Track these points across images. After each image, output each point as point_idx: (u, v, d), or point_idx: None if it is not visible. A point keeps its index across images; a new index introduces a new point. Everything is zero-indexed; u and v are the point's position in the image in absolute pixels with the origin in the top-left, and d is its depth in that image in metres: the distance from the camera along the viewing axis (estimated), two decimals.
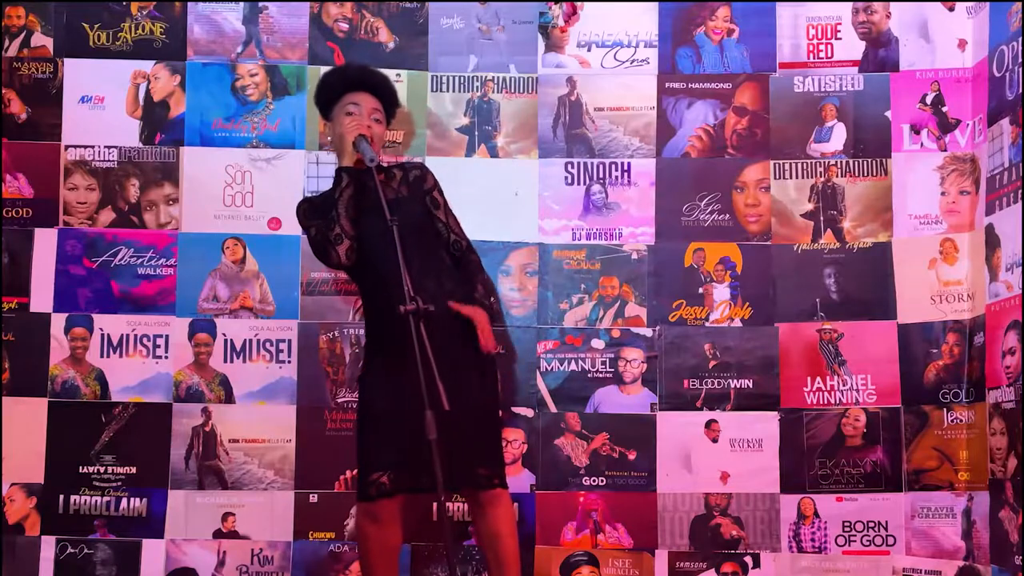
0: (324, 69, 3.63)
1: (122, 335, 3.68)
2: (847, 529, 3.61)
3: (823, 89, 3.75)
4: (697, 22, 3.81)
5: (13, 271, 3.66)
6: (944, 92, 3.67)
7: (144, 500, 3.64)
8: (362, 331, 3.48)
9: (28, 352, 3.65)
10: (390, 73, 3.60)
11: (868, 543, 3.60)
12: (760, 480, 3.64)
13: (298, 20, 3.80)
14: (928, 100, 3.68)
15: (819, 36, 3.77)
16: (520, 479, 3.65)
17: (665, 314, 3.73)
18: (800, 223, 3.74)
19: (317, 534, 3.64)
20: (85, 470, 3.63)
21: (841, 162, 3.73)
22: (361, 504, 3.05)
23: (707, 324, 3.72)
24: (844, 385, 3.65)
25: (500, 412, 3.34)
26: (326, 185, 3.35)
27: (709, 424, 3.67)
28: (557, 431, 3.69)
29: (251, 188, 3.74)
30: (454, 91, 3.80)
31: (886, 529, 3.60)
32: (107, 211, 3.72)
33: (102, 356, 3.67)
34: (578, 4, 3.82)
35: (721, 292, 3.73)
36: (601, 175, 3.78)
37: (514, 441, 3.67)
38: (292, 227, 3.52)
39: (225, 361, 3.69)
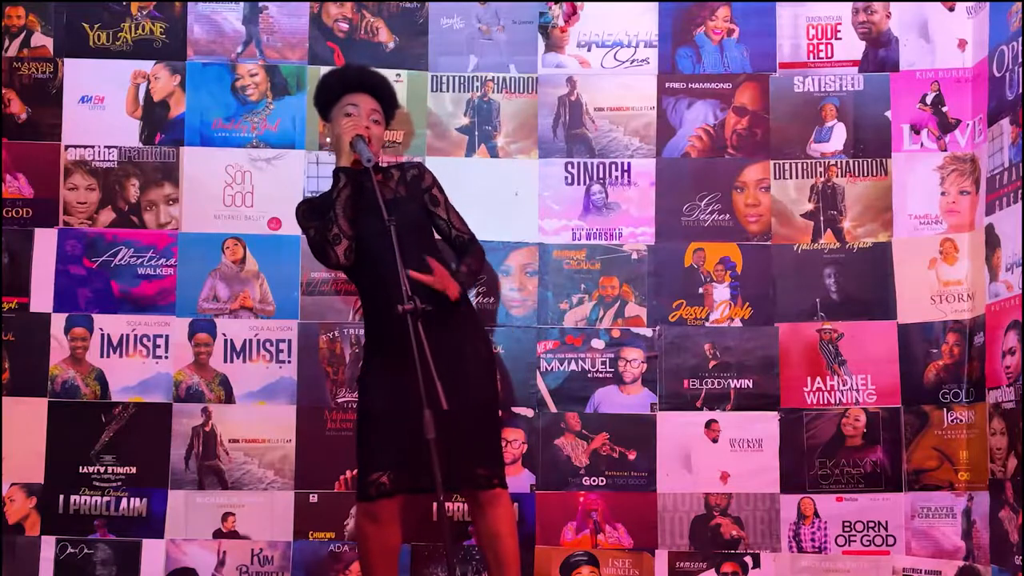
0: (324, 69, 3.63)
1: (122, 335, 3.68)
2: (847, 529, 3.61)
3: (823, 89, 3.75)
4: (697, 22, 3.81)
5: (13, 271, 3.66)
6: (944, 92, 3.67)
7: (144, 500, 3.64)
8: (362, 331, 3.48)
9: (28, 352, 3.65)
10: (390, 73, 3.61)
11: (868, 543, 3.60)
12: (760, 480, 3.64)
13: (298, 20, 3.80)
14: (928, 100, 3.68)
15: (819, 36, 3.77)
16: (520, 479, 3.65)
17: (665, 314, 3.73)
18: (800, 223, 3.74)
19: (317, 534, 3.64)
20: (85, 470, 3.63)
21: (841, 162, 3.73)
22: (361, 504, 3.05)
23: (707, 324, 3.72)
24: (844, 385, 3.65)
25: (500, 412, 3.34)
26: (326, 185, 3.35)
27: (709, 424, 3.67)
28: (557, 431, 3.69)
29: (251, 188, 3.74)
30: (454, 91, 3.80)
31: (886, 529, 3.60)
32: (107, 211, 3.73)
33: (102, 356, 3.67)
34: (578, 4, 3.83)
35: (721, 292, 3.73)
36: (601, 175, 3.78)
37: (514, 441, 3.67)
38: (292, 227, 3.52)
39: (225, 361, 3.69)
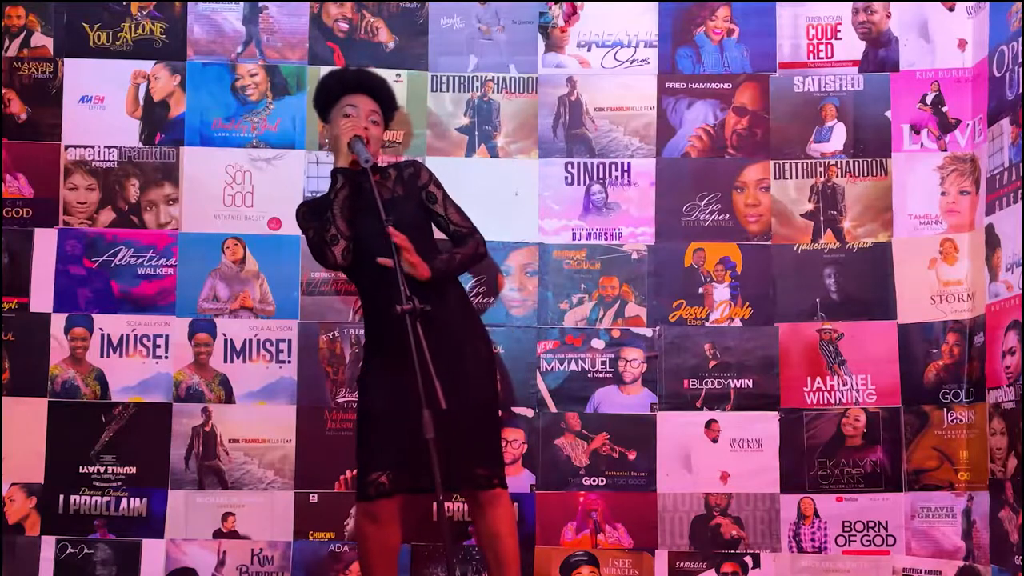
0: (324, 69, 3.63)
1: (122, 335, 3.68)
2: (847, 529, 3.61)
3: (823, 89, 3.75)
4: (697, 22, 3.81)
5: (13, 271, 3.66)
6: (944, 92, 3.67)
7: (144, 500, 3.64)
8: (362, 331, 3.48)
9: (28, 352, 3.65)
10: (390, 73, 3.61)
11: (868, 543, 3.60)
12: (760, 480, 3.64)
13: (298, 20, 3.80)
14: (928, 100, 3.68)
15: (819, 36, 3.77)
16: (520, 479, 3.65)
17: (665, 314, 3.73)
18: (800, 223, 3.74)
19: (317, 534, 3.65)
20: (85, 470, 3.63)
21: (841, 162, 3.73)
22: (360, 504, 3.05)
23: (707, 324, 3.72)
24: (844, 385, 3.65)
25: (500, 412, 3.33)
26: (326, 185, 3.34)
27: (709, 424, 3.67)
28: (557, 431, 3.69)
29: (251, 188, 3.74)
30: (454, 91, 3.80)
31: (886, 529, 3.60)
32: (107, 211, 3.73)
33: (102, 356, 3.67)
34: (578, 4, 3.83)
35: (721, 292, 3.73)
36: (601, 175, 3.78)
37: (514, 441, 3.67)
38: (292, 227, 3.51)
39: (225, 361, 3.69)
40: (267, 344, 3.70)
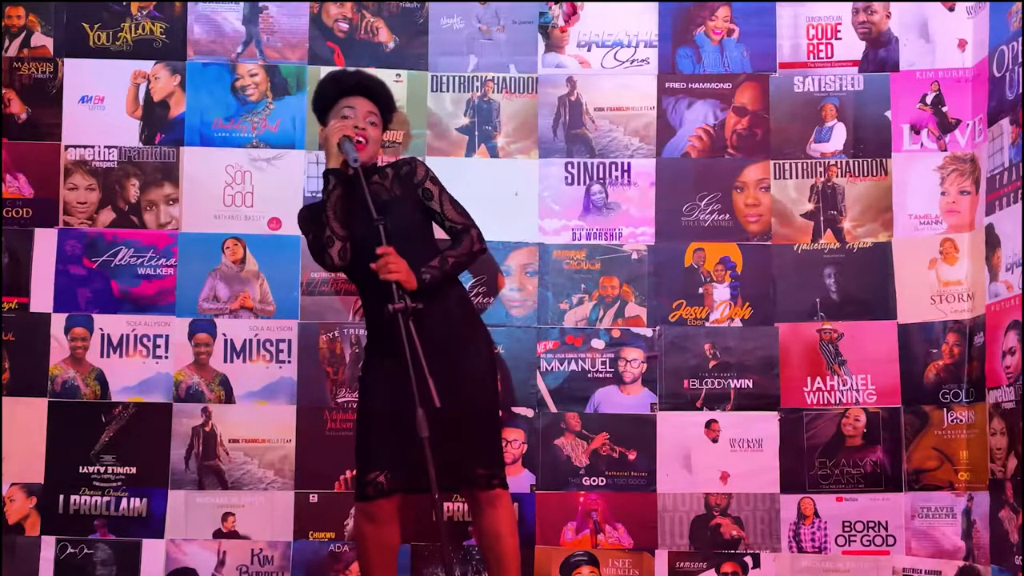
0: (324, 69, 3.63)
1: (122, 335, 3.68)
2: (847, 529, 3.61)
3: (823, 89, 3.75)
4: (697, 22, 3.81)
5: (13, 271, 3.67)
6: (944, 92, 3.67)
7: (144, 500, 3.64)
8: (362, 331, 3.48)
9: (28, 352, 3.65)
10: (390, 73, 3.61)
11: (868, 543, 3.60)
12: (760, 480, 3.64)
13: (298, 20, 3.80)
14: (928, 100, 3.68)
15: (819, 36, 3.77)
16: (520, 479, 3.65)
17: (665, 314, 3.73)
18: (800, 223, 3.74)
19: (317, 534, 3.65)
20: (85, 470, 3.63)
21: (841, 162, 3.73)
22: (359, 504, 3.05)
23: (707, 324, 3.72)
24: (844, 385, 3.65)
25: (500, 412, 3.33)
26: None
27: (709, 424, 3.67)
28: (557, 431, 3.69)
29: (251, 188, 3.74)
30: (454, 91, 3.80)
31: (886, 529, 3.60)
32: (107, 211, 3.73)
33: (102, 356, 3.67)
34: (578, 4, 3.83)
35: (721, 292, 3.73)
36: (601, 175, 3.78)
37: (514, 441, 3.67)
38: (292, 227, 3.51)
39: (225, 361, 3.69)
40: (267, 344, 3.70)
